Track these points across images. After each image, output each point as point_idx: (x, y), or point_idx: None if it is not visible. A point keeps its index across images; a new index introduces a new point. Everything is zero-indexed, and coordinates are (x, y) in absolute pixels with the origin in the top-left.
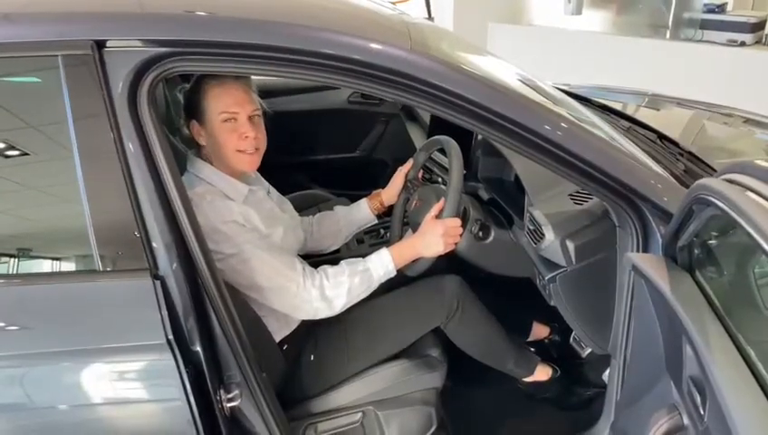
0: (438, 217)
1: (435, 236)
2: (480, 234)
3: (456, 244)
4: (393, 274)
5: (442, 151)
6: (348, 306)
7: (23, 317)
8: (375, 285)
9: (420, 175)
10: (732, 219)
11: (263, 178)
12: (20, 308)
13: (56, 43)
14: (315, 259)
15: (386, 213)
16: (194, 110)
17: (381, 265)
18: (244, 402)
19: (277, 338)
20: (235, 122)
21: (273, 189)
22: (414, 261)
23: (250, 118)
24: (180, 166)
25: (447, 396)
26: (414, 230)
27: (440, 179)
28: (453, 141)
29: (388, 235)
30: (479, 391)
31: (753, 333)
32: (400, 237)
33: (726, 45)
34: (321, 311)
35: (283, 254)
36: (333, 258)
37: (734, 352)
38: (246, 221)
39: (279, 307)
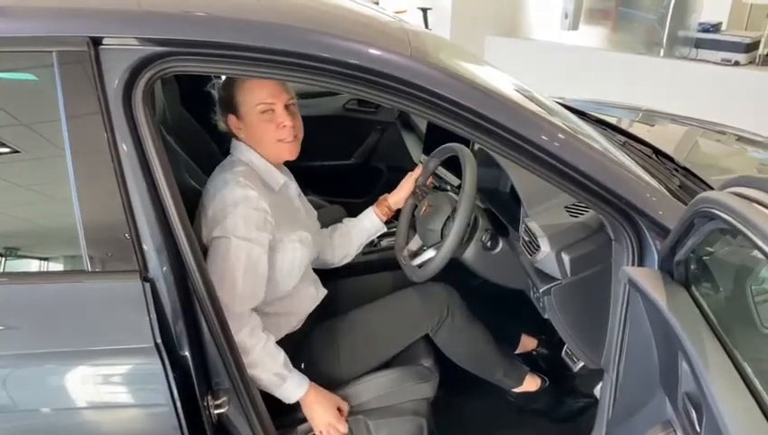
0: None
1: (326, 412)
2: (489, 244)
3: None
4: (291, 401)
5: (446, 163)
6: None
7: (7, 317)
8: (272, 390)
9: (429, 181)
10: (740, 233)
11: (295, 182)
12: (4, 308)
13: (51, 39)
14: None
15: (394, 217)
16: (230, 104)
17: (290, 391)
18: (231, 409)
19: None
20: (272, 113)
21: (303, 196)
22: (420, 266)
23: (287, 107)
24: (174, 167)
25: (437, 407)
26: (421, 236)
27: (448, 187)
28: (466, 149)
29: (382, 243)
30: (469, 402)
31: (750, 349)
32: (407, 243)
33: (720, 64)
34: (243, 340)
35: (259, 283)
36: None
37: (731, 368)
38: (262, 222)
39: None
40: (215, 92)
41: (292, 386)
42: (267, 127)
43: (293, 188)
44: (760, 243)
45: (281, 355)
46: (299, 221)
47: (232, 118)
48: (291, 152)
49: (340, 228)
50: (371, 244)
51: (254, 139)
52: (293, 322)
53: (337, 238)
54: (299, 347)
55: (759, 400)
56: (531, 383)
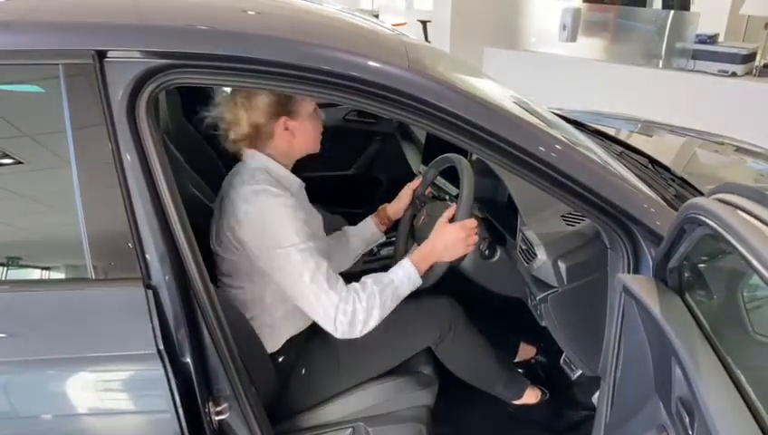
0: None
1: (455, 239)
2: (487, 252)
3: (473, 244)
4: (419, 284)
5: (444, 173)
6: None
7: (12, 324)
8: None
9: (428, 192)
10: (723, 239)
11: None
12: (8, 315)
13: (58, 52)
14: None
15: (393, 227)
16: (285, 107)
17: (408, 279)
18: (232, 416)
19: (272, 348)
20: (316, 111)
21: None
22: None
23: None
24: (177, 176)
25: (436, 415)
26: (420, 245)
27: (447, 197)
28: (464, 159)
29: (381, 252)
30: (468, 410)
31: (741, 354)
32: (406, 252)
33: (718, 75)
34: (351, 335)
35: (328, 269)
36: None
37: (722, 373)
38: (301, 218)
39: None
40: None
41: (407, 285)
42: (316, 124)
43: (304, 195)
44: (741, 249)
45: (374, 289)
46: (312, 224)
47: (284, 120)
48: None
49: (338, 237)
50: (371, 253)
51: (303, 137)
52: (299, 322)
53: (335, 246)
54: (300, 354)
55: (749, 404)
56: (531, 396)
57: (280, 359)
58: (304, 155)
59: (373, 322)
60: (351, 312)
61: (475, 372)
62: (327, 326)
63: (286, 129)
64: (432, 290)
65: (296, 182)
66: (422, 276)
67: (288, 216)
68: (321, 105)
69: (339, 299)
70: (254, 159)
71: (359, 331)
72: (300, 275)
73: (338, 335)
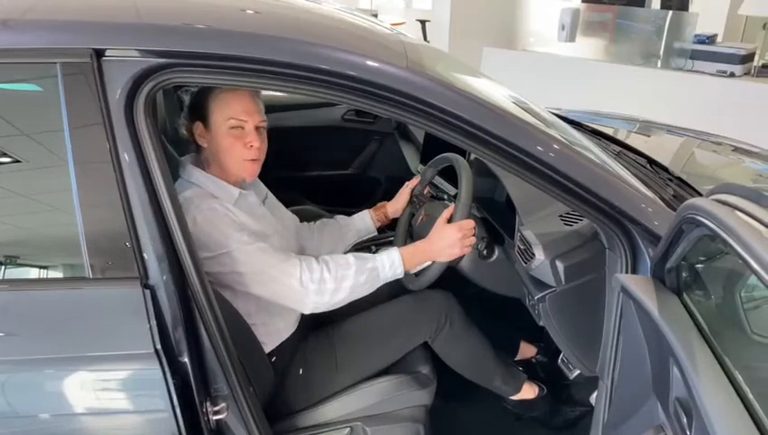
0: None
1: (452, 240)
2: (485, 252)
3: (470, 246)
4: (401, 275)
5: (442, 173)
6: (348, 301)
7: (10, 323)
8: (379, 284)
9: (426, 191)
10: (721, 239)
11: (261, 184)
12: (5, 314)
13: (55, 51)
14: None
15: (387, 226)
16: (200, 112)
17: (390, 265)
18: (230, 416)
19: (267, 349)
20: (242, 130)
21: (271, 196)
22: (418, 274)
23: (257, 128)
24: (174, 175)
25: (434, 414)
26: None
27: (445, 197)
28: (462, 159)
29: (378, 251)
30: (466, 409)
31: (739, 354)
32: None
33: (716, 76)
34: (320, 306)
35: (277, 251)
36: None
37: (720, 373)
38: (236, 219)
39: (279, 302)
40: (185, 97)
41: (388, 271)
42: (234, 143)
43: (253, 197)
44: (739, 249)
45: (349, 260)
46: (267, 224)
47: (199, 125)
48: (251, 173)
49: (330, 224)
50: (369, 252)
51: (217, 152)
52: (282, 328)
53: (327, 234)
54: (296, 353)
55: (747, 404)
56: (528, 391)
57: (273, 359)
58: (236, 175)
59: (343, 293)
60: (319, 280)
61: (473, 366)
62: (297, 299)
63: (202, 136)
64: (427, 287)
65: (235, 193)
66: (416, 274)
67: (218, 220)
68: (320, 105)
69: (300, 262)
70: (185, 171)
71: (327, 300)
72: (252, 265)
73: (308, 306)
